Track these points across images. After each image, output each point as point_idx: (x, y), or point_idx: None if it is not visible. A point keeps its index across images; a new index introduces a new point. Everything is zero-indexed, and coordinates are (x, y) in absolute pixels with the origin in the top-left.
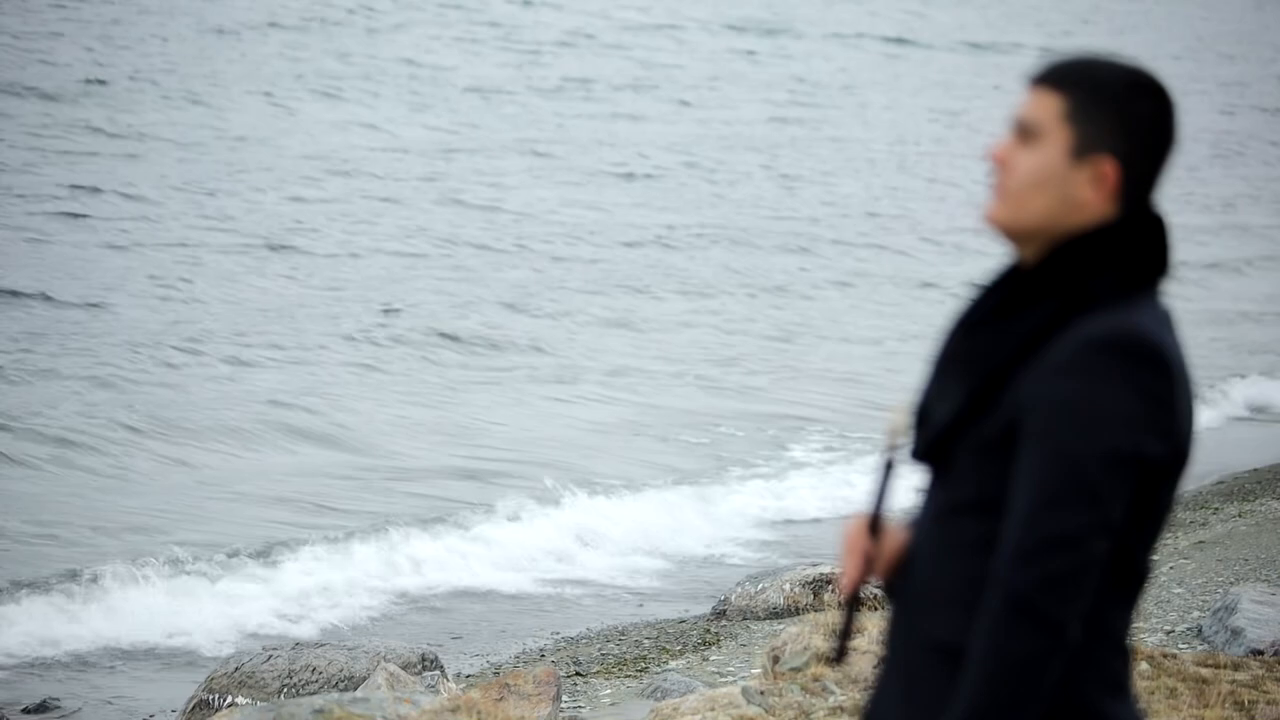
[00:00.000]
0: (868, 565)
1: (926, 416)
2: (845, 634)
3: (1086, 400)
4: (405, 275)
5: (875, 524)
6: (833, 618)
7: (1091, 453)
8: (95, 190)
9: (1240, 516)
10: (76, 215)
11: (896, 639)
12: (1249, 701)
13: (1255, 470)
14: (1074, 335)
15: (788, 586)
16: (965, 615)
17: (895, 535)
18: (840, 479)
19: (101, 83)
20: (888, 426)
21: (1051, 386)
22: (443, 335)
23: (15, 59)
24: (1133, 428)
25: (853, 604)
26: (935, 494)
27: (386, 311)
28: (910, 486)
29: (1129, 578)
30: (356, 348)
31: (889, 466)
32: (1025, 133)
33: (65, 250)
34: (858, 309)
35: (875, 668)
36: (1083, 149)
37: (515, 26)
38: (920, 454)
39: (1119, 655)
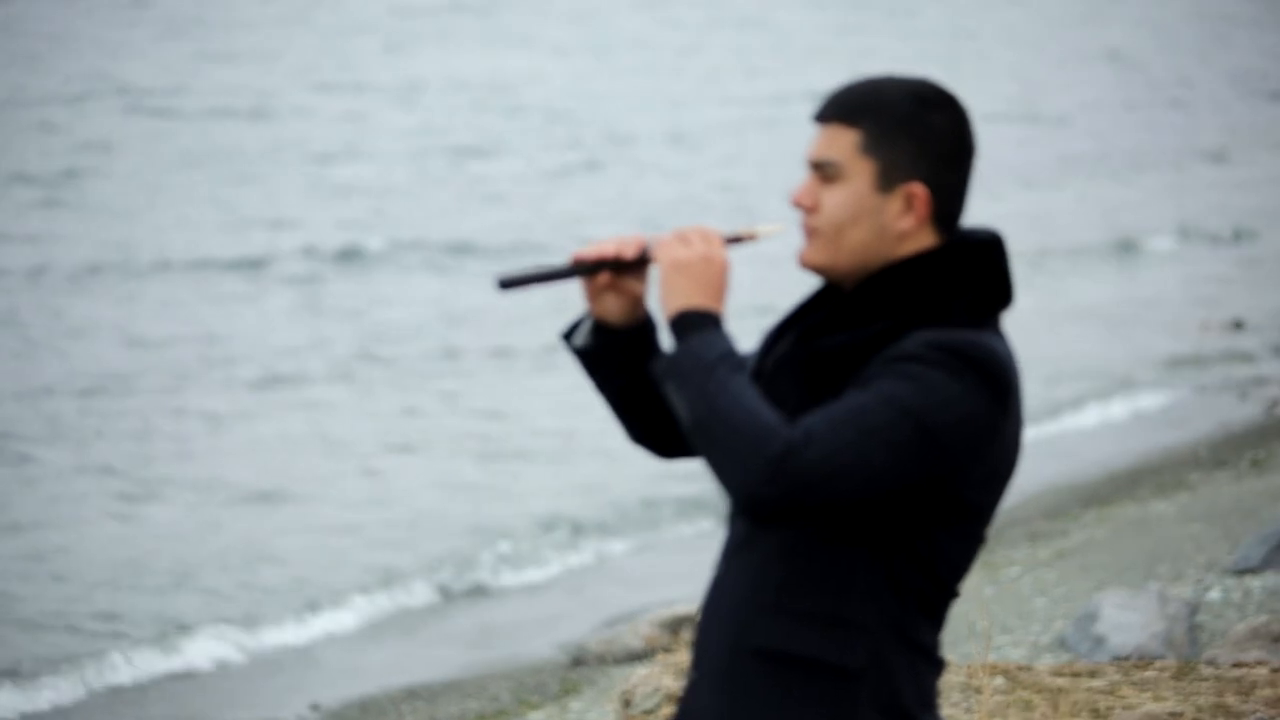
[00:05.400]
0: (620, 263)
1: None
2: (549, 276)
3: (929, 381)
4: None
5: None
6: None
7: (918, 414)
8: None
9: (1100, 522)
10: None
11: (708, 650)
12: (1105, 708)
13: (1111, 475)
14: (918, 336)
15: (644, 628)
16: (781, 621)
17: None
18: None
19: None
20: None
21: (894, 366)
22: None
23: None
24: (963, 431)
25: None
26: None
27: None
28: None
29: (939, 597)
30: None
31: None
32: (825, 173)
33: None
34: None
35: (686, 684)
36: (888, 180)
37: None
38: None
39: (932, 669)
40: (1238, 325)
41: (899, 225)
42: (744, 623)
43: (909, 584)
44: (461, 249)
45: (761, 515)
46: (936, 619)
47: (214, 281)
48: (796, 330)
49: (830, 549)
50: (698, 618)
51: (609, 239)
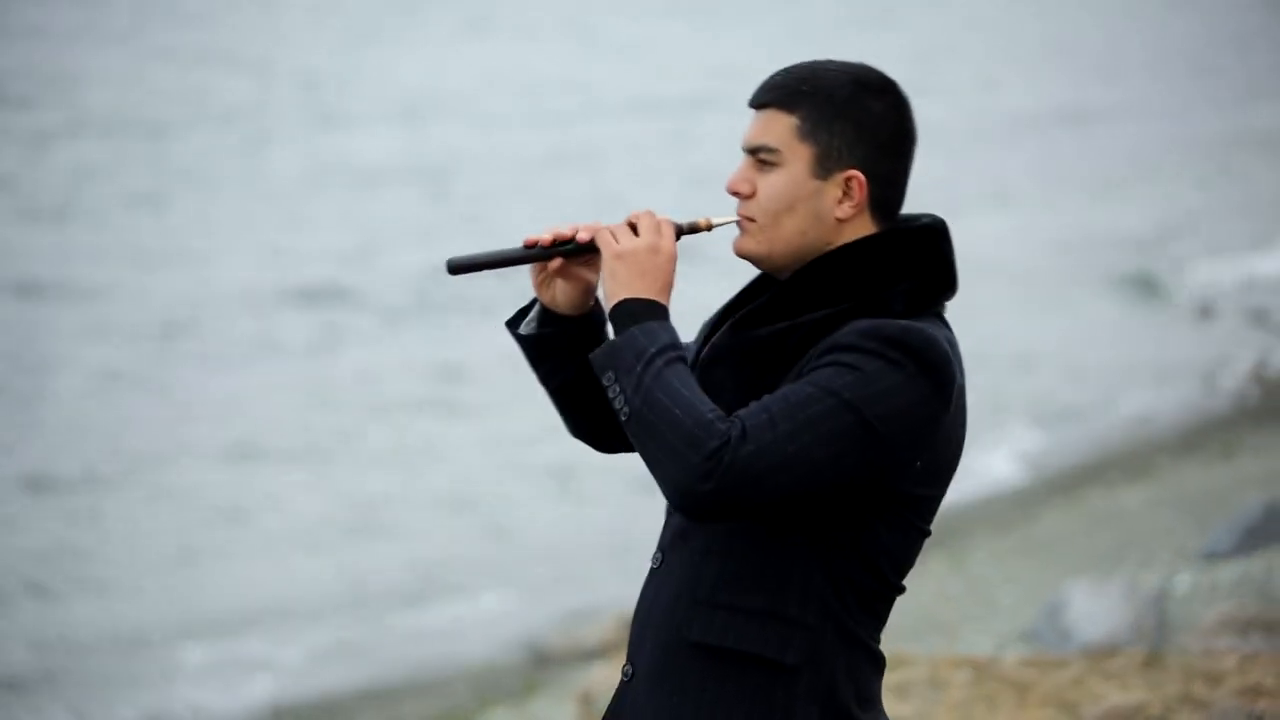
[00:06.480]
0: (573, 248)
1: None
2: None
3: (868, 371)
4: None
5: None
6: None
7: (857, 405)
8: None
9: (1068, 511)
10: None
11: (644, 644)
12: (1073, 701)
13: (1079, 463)
14: (855, 325)
15: (607, 626)
16: (718, 616)
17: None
18: None
19: None
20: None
21: (831, 356)
22: None
23: None
24: (903, 423)
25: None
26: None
27: None
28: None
29: (880, 593)
30: None
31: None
32: (762, 159)
33: None
34: None
35: (621, 681)
36: (825, 165)
37: None
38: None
39: (873, 667)
40: (1205, 312)
41: (837, 212)
42: (681, 617)
43: (849, 579)
44: None
45: (699, 513)
46: (878, 615)
47: (360, 304)
48: (733, 319)
49: (768, 543)
50: (635, 610)
51: (564, 224)
